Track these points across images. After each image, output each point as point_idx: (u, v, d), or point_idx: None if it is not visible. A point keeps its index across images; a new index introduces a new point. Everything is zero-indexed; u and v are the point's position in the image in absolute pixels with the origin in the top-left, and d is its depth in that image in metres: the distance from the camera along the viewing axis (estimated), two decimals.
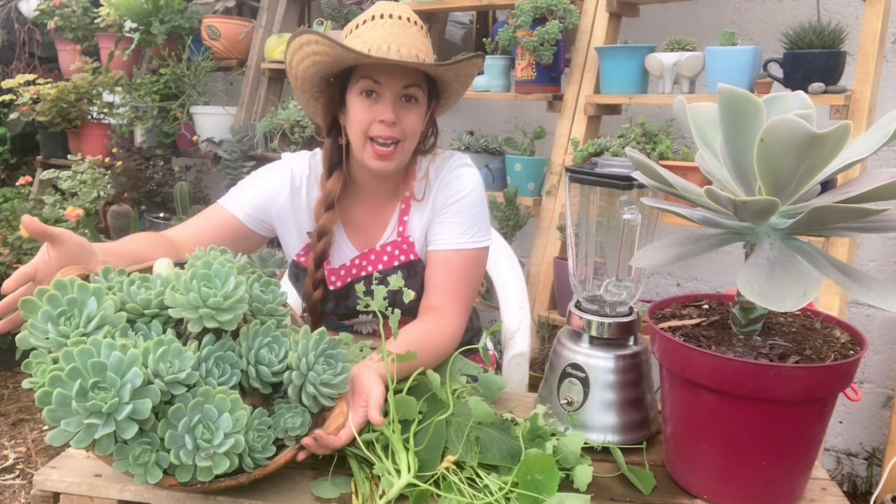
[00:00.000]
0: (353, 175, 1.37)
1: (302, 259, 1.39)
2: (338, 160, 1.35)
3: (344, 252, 1.39)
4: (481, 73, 2.59)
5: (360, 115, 1.26)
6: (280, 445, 0.96)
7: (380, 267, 1.36)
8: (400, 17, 1.26)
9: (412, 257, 1.36)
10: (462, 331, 1.30)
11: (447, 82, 1.33)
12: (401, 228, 1.37)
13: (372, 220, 1.40)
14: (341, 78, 1.30)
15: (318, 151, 1.41)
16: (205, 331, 0.92)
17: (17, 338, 0.89)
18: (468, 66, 1.29)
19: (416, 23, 1.29)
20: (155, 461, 0.85)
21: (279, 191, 1.36)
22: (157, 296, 0.93)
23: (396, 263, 1.36)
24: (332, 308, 1.39)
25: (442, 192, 1.36)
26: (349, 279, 1.37)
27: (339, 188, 1.34)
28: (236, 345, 0.96)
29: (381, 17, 1.26)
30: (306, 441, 0.95)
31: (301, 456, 0.97)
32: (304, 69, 1.28)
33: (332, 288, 1.37)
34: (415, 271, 1.36)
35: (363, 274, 1.37)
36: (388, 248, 1.37)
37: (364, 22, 1.27)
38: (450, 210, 1.34)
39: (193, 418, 0.85)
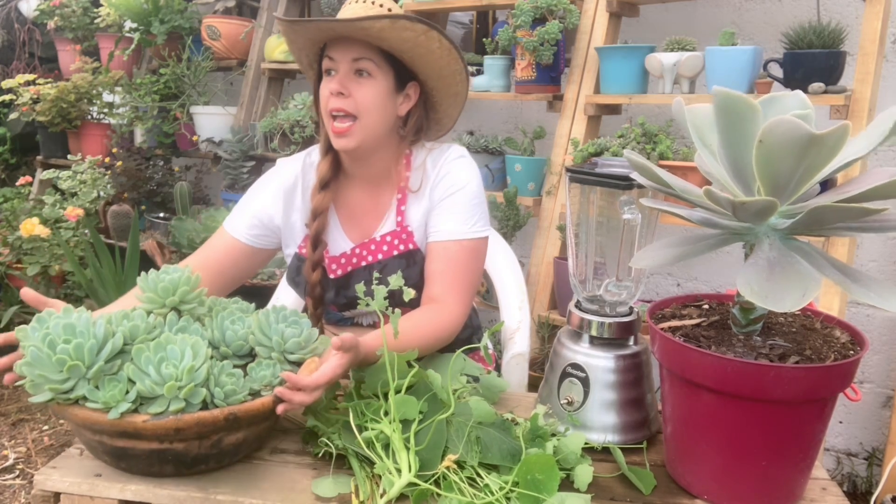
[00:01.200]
0: (343, 162, 1.40)
1: (303, 251, 1.39)
2: (329, 145, 1.37)
3: (340, 244, 1.40)
4: (479, 71, 2.59)
5: (321, 92, 1.31)
6: None
7: (379, 256, 1.37)
8: (366, 1, 1.31)
9: (411, 247, 1.37)
10: (463, 320, 1.30)
11: (396, 52, 1.28)
12: (399, 218, 1.38)
13: (368, 210, 1.41)
14: (318, 63, 1.35)
15: (312, 151, 1.45)
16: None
17: (16, 331, 0.97)
18: (392, 29, 1.21)
19: (381, 5, 1.31)
20: (124, 393, 0.91)
21: (273, 203, 1.40)
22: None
23: (396, 253, 1.37)
24: (332, 298, 1.39)
25: (440, 184, 1.36)
26: (349, 268, 1.38)
27: (331, 169, 1.37)
28: (202, 326, 1.07)
29: (350, 2, 1.33)
30: (279, 390, 0.97)
31: (280, 409, 0.96)
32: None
33: (332, 276, 1.38)
34: (414, 261, 1.36)
35: (363, 263, 1.38)
36: (388, 238, 1.38)
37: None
38: (448, 201, 1.35)
39: (156, 356, 0.93)
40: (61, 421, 2.75)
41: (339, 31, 1.26)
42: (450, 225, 1.34)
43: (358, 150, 1.32)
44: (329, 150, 1.38)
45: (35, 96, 3.37)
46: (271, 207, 1.39)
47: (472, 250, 1.34)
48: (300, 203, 1.40)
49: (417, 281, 1.35)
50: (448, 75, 1.34)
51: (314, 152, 1.43)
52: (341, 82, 1.27)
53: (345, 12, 1.32)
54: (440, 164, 1.38)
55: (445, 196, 1.35)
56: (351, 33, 1.25)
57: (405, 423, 1.00)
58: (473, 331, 1.55)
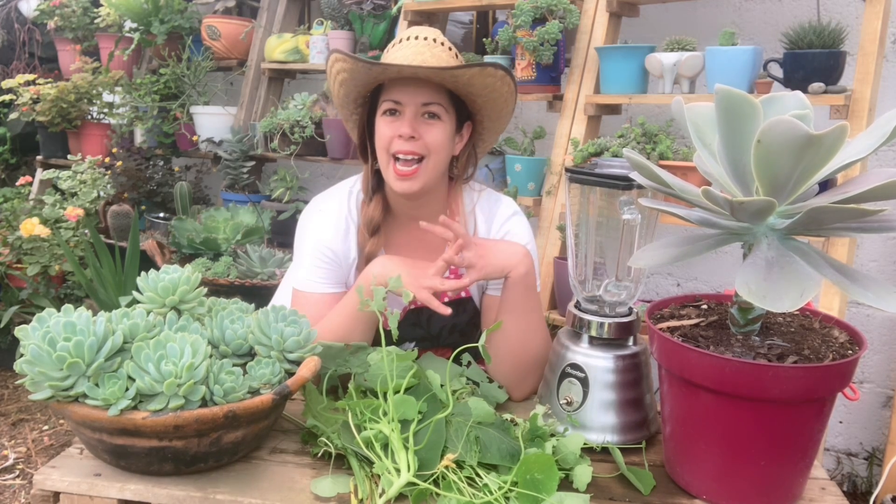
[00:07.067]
0: (391, 202, 1.36)
1: None
2: (376, 185, 1.35)
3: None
4: None
5: (383, 132, 1.27)
6: None
7: None
8: (426, 38, 1.29)
9: (463, 294, 1.36)
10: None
11: (470, 96, 1.29)
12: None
13: (416, 252, 1.35)
14: (369, 102, 1.33)
15: (355, 188, 1.39)
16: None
17: (16, 331, 0.96)
18: (481, 76, 1.23)
19: (442, 44, 1.30)
20: (124, 390, 0.91)
21: (332, 238, 1.34)
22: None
23: (446, 299, 1.33)
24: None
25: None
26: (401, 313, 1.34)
27: (381, 212, 1.34)
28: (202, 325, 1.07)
29: (409, 38, 1.30)
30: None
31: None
32: (336, 92, 1.32)
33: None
34: (464, 309, 1.36)
35: (412, 307, 1.35)
36: None
37: (393, 45, 1.31)
38: None
39: (156, 354, 0.94)
40: (61, 421, 2.75)
41: (427, 76, 1.23)
42: None
43: (419, 193, 1.29)
44: (376, 191, 1.34)
45: (35, 96, 3.37)
46: (334, 248, 1.33)
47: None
48: (351, 238, 1.35)
49: (465, 328, 1.35)
50: (504, 116, 1.36)
51: (356, 189, 1.39)
52: (412, 126, 1.24)
53: (406, 50, 1.27)
54: (495, 219, 1.37)
55: None
56: (442, 79, 1.24)
57: (404, 423, 1.00)
58: None
